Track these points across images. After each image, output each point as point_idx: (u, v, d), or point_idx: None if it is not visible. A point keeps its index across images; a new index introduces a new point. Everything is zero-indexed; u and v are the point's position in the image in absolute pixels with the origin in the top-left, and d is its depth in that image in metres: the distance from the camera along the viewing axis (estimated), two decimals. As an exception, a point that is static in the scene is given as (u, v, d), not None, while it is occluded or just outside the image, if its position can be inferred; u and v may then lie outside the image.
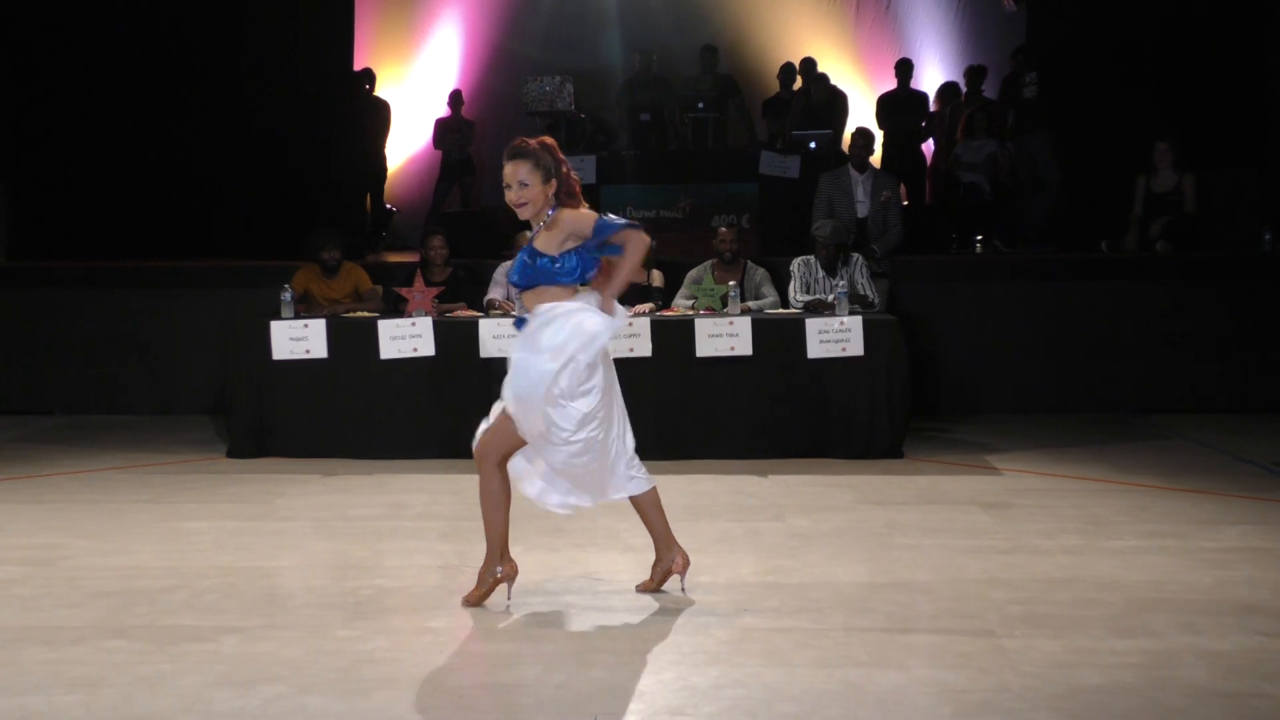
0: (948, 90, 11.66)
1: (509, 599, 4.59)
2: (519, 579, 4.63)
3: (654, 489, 4.66)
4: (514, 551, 4.65)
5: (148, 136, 10.74)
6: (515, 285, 4.56)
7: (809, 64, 11.65)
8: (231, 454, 7.47)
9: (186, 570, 5.06)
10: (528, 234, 4.58)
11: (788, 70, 11.78)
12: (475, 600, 4.58)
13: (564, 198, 4.47)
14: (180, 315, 9.20)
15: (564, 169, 4.48)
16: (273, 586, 4.87)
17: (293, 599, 4.74)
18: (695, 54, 11.85)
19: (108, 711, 3.64)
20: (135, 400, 9.19)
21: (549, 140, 4.52)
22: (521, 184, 4.41)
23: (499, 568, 4.57)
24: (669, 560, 4.68)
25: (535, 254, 4.44)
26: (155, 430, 8.41)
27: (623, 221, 4.46)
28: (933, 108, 11.70)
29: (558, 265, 4.41)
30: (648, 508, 4.66)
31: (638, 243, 4.43)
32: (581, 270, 4.43)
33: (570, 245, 4.42)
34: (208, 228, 10.80)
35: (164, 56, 10.77)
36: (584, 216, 4.44)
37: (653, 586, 4.71)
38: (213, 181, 10.78)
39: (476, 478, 4.56)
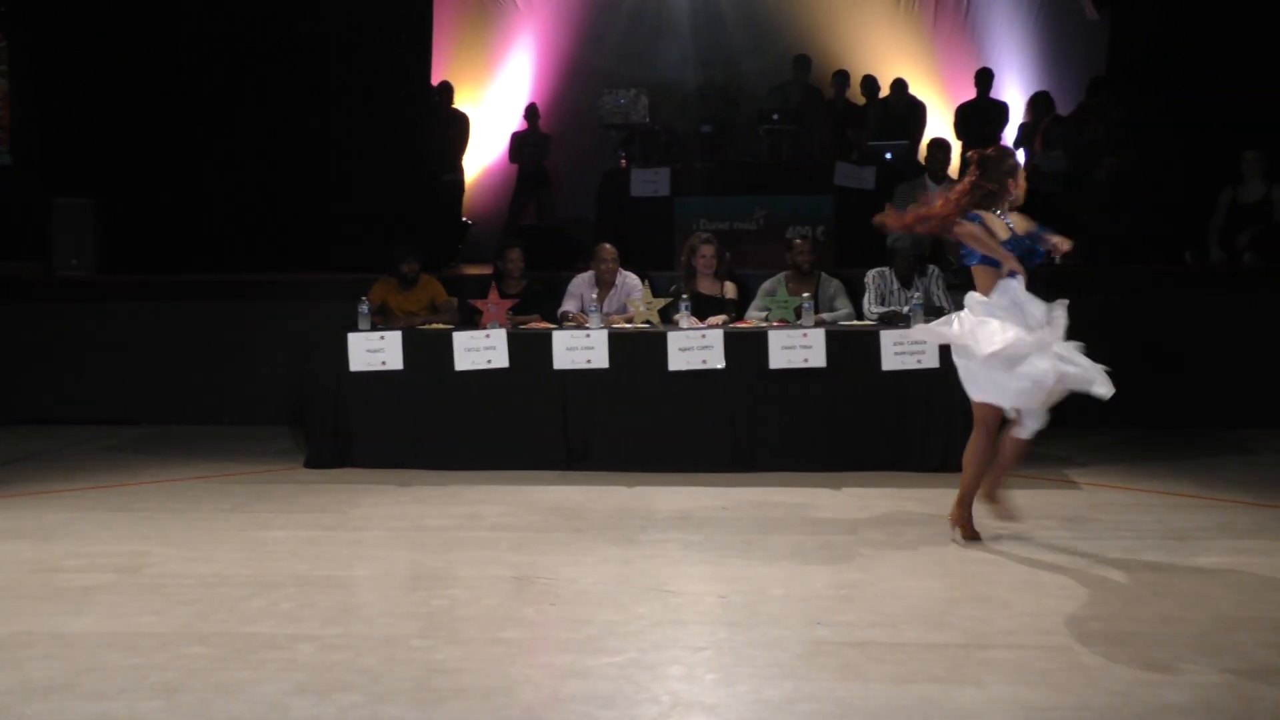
0: (1039, 100, 11.42)
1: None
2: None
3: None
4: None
5: (230, 151, 10.94)
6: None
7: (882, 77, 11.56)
8: (309, 464, 7.56)
9: (265, 579, 5.13)
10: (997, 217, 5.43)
11: (870, 83, 11.68)
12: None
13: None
14: (261, 327, 9.37)
15: None
16: (348, 595, 4.92)
17: (368, 608, 4.79)
18: (769, 66, 11.80)
19: (186, 717, 3.70)
20: (217, 410, 9.36)
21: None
22: None
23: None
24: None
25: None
26: (236, 440, 8.55)
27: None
28: (1024, 118, 11.50)
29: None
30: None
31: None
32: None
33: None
34: (288, 241, 10.96)
35: (246, 74, 10.98)
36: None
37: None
38: (294, 195, 10.94)
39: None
